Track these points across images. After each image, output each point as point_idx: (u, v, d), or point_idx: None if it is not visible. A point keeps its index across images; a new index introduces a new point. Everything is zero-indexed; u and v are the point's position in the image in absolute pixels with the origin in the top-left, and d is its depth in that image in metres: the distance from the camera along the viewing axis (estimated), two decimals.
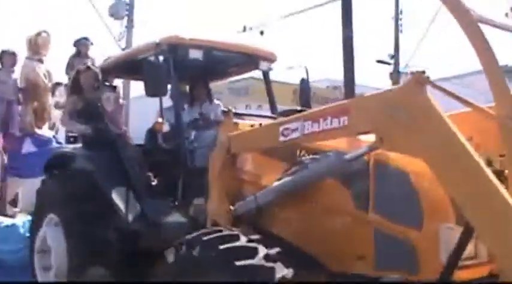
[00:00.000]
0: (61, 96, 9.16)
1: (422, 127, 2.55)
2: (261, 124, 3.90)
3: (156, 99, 4.36)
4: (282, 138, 3.38)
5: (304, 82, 5.01)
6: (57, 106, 8.71)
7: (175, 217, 4.44)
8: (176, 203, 4.59)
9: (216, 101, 5.71)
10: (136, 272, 4.56)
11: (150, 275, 3.98)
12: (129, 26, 18.16)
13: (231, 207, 3.76)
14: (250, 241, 2.93)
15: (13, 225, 6.45)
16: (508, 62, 18.97)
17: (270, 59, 5.11)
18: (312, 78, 5.20)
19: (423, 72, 2.61)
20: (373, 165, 3.09)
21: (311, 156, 3.43)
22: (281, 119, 3.51)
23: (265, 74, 5.18)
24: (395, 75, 23.91)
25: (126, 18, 18.10)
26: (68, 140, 5.88)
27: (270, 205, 3.54)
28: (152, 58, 4.33)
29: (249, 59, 5.08)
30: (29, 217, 6.75)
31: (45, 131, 7.99)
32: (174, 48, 4.51)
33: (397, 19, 23.33)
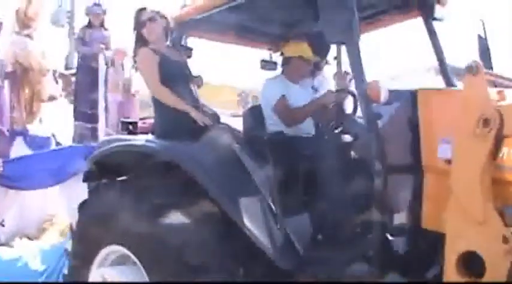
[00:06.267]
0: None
1: None
2: None
3: None
4: None
5: (482, 40, 3.50)
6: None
7: (346, 245, 2.86)
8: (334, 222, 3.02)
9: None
10: None
11: None
12: (70, 33, 17.10)
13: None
14: None
15: (19, 259, 4.57)
16: None
17: (443, 2, 3.53)
18: None
19: None
20: None
21: None
22: None
23: (432, 28, 3.57)
24: (339, 75, 23.01)
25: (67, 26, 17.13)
26: (125, 127, 4.00)
27: None
28: None
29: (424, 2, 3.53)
30: (39, 245, 4.89)
31: (37, 128, 6.08)
32: None
33: None
